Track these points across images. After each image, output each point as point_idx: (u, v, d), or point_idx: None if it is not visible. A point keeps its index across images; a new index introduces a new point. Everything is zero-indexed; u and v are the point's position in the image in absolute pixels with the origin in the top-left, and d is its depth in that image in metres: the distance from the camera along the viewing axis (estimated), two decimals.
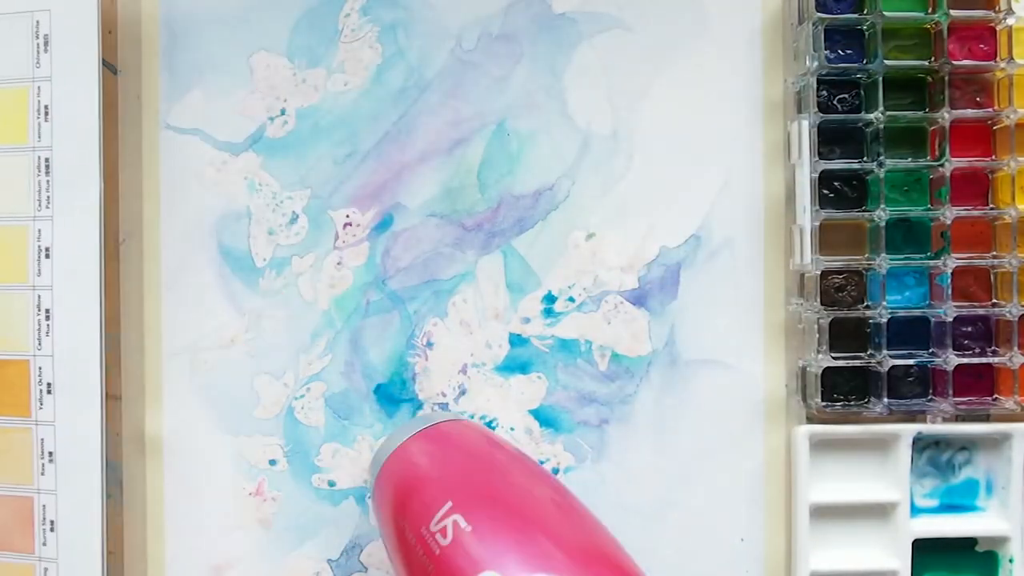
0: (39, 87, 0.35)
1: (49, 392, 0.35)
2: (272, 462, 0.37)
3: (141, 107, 0.37)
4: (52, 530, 0.35)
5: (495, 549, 0.26)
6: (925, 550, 0.35)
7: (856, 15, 0.35)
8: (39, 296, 0.35)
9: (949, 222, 0.35)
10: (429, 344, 0.37)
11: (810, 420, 0.36)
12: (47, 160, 0.35)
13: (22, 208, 0.35)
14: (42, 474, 0.35)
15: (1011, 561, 0.35)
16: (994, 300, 0.36)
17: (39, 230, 0.35)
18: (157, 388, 0.37)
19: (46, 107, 0.35)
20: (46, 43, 0.35)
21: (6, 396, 0.35)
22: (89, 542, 0.35)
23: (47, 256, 0.35)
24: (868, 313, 0.35)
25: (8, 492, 0.35)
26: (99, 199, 0.35)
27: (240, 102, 0.37)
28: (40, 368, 0.35)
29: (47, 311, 0.35)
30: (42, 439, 0.35)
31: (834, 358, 0.35)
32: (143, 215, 0.37)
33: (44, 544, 0.35)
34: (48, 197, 0.35)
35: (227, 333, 0.37)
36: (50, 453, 0.35)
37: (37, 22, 0.35)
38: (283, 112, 0.37)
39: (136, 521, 0.37)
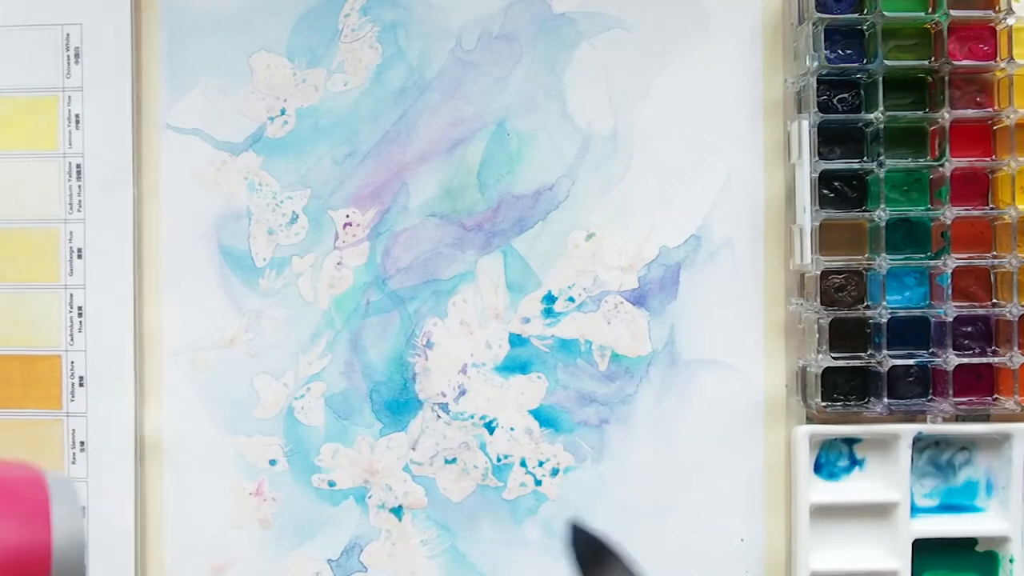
0: (69, 96, 0.37)
1: (81, 385, 0.37)
2: (272, 462, 0.37)
3: (141, 107, 0.37)
4: (83, 516, 0.36)
5: None
6: (925, 550, 0.35)
7: (856, 15, 0.35)
8: (71, 295, 0.37)
9: (949, 222, 0.35)
10: (429, 344, 0.37)
11: (810, 420, 0.36)
12: (78, 166, 0.37)
13: (53, 211, 0.37)
14: (72, 463, 0.36)
15: (1011, 561, 0.35)
16: (994, 300, 0.36)
17: (71, 232, 0.37)
18: (157, 388, 0.37)
19: (77, 116, 0.37)
20: (77, 55, 0.36)
21: (37, 390, 0.37)
22: (121, 525, 0.36)
23: (79, 256, 0.37)
24: (868, 313, 0.35)
25: None
26: (132, 202, 0.37)
27: (240, 102, 0.37)
28: (72, 362, 0.37)
29: (79, 308, 0.36)
30: (73, 429, 0.37)
31: (834, 358, 0.35)
32: (143, 215, 0.37)
33: None
34: (80, 201, 0.37)
35: (227, 333, 0.37)
36: (81, 443, 0.36)
37: (67, 35, 0.36)
38: (283, 112, 0.37)
39: (136, 521, 0.37)
